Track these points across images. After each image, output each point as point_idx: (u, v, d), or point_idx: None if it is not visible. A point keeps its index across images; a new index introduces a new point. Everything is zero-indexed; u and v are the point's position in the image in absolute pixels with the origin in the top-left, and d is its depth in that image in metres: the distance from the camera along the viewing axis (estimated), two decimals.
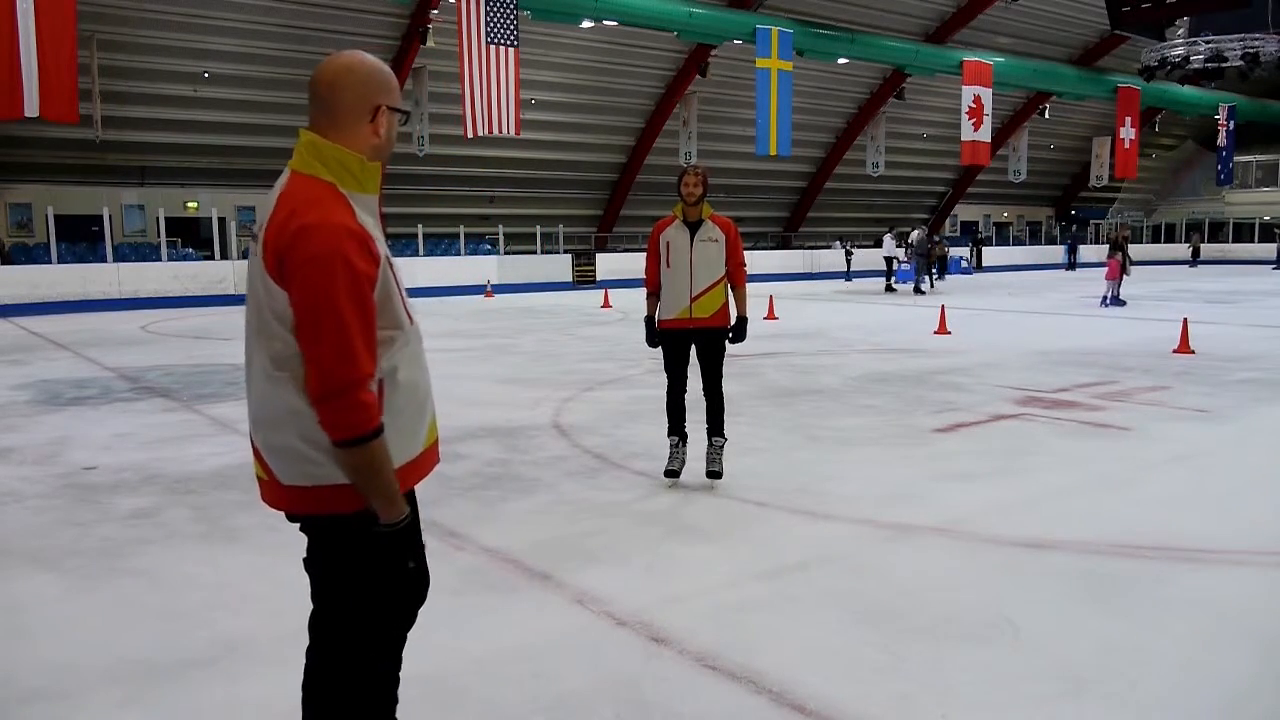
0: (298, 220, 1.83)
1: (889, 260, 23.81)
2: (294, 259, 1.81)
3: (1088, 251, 36.53)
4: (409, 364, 1.99)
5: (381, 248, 1.93)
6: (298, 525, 2.06)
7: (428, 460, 2.11)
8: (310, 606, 2.12)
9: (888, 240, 24.23)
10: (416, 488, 2.10)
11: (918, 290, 22.10)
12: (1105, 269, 18.42)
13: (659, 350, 5.40)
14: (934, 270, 24.23)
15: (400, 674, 2.23)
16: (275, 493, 1.99)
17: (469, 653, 3.25)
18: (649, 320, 5.39)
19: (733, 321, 5.34)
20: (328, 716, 2.09)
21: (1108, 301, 17.87)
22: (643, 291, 5.45)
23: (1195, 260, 36.97)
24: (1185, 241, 39.16)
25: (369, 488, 1.88)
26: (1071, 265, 34.85)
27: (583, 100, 27.40)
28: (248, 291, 1.99)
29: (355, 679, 2.06)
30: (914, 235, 23.43)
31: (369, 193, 1.96)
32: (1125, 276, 18.14)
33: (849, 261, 29.09)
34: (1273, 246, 35.79)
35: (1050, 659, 3.17)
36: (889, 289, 23.22)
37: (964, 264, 32.88)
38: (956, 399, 8.08)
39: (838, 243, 31.85)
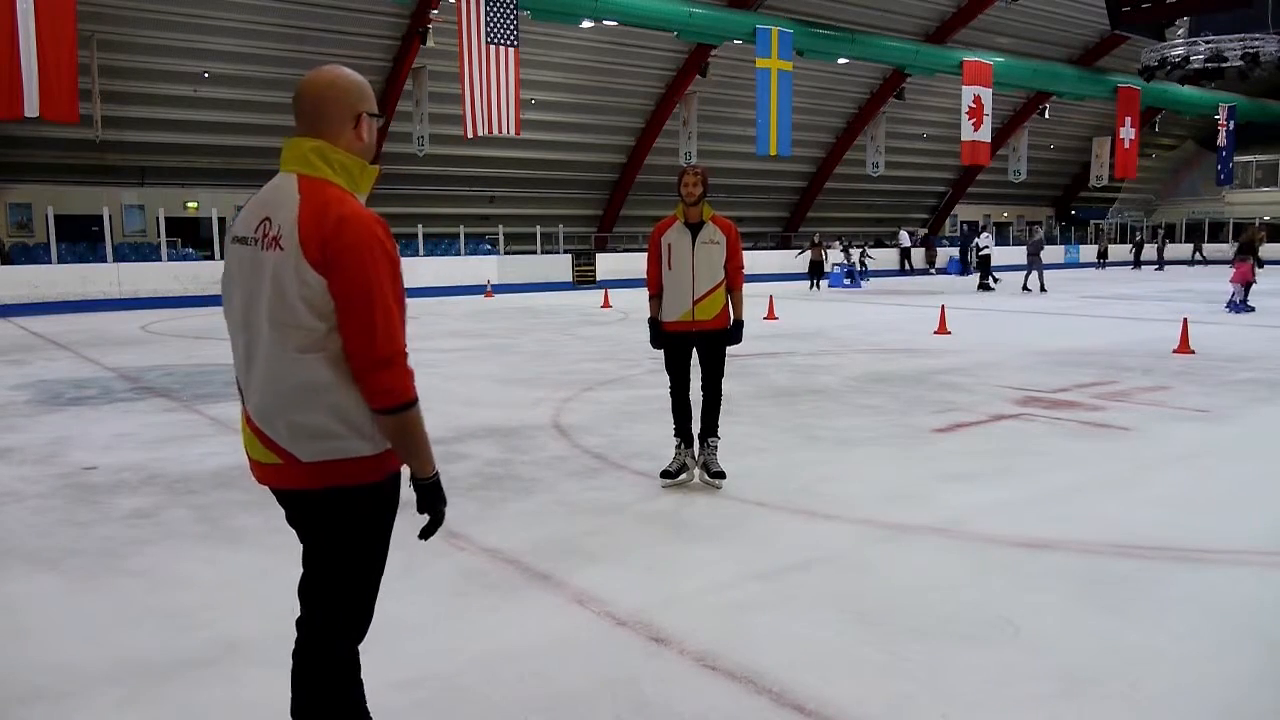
0: (335, 212, 1.98)
1: (984, 259, 24.20)
2: (339, 246, 1.95)
3: (1007, 253, 31.89)
4: None
5: None
6: (287, 507, 2.17)
7: None
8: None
9: (986, 237, 24.97)
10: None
11: (1025, 289, 22.43)
12: (1233, 271, 16.78)
13: (660, 350, 5.41)
14: (983, 271, 24.40)
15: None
16: (291, 473, 2.07)
17: (469, 653, 3.26)
18: (653, 321, 5.38)
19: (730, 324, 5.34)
20: (329, 679, 2.20)
21: (1236, 306, 16.22)
22: (643, 292, 5.43)
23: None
24: (1233, 240, 36.39)
25: (409, 448, 2.06)
26: (965, 270, 30.55)
27: (583, 100, 27.39)
28: (248, 289, 2.07)
29: (350, 641, 2.20)
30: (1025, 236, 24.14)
31: (362, 193, 2.14)
32: (1253, 282, 16.52)
33: (827, 263, 26.14)
34: (1276, 247, 35.52)
35: (1050, 659, 3.17)
36: (984, 287, 23.50)
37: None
38: (956, 399, 8.08)
39: (835, 243, 28.04)
